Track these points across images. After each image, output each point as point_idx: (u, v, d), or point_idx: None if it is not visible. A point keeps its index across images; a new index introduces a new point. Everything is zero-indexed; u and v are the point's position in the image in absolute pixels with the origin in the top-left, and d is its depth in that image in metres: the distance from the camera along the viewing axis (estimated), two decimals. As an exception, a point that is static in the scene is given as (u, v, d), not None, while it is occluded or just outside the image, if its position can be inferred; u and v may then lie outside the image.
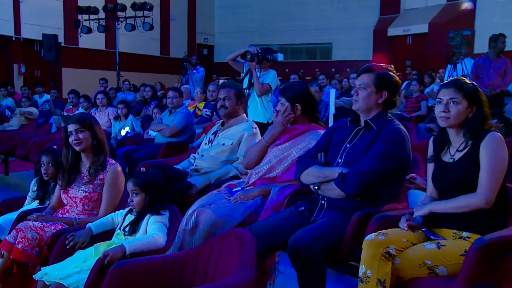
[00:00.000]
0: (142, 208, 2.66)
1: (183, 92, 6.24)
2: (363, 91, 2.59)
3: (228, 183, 3.29)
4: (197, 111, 7.60)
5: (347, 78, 10.55)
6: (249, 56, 5.28)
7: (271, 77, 5.43)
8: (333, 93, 3.22)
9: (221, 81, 10.42)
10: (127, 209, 2.80)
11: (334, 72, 14.43)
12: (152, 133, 6.19)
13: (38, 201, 3.43)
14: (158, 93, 9.66)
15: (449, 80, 2.40)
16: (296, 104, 3.07)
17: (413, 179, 2.98)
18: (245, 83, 5.48)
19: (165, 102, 8.10)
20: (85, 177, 2.99)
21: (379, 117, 2.61)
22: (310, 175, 2.65)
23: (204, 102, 7.75)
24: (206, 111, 6.97)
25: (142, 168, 2.77)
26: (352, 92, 2.71)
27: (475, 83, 2.34)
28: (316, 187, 2.60)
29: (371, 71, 2.60)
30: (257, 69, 5.31)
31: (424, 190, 2.59)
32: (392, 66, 2.72)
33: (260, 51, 5.31)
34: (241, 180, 3.36)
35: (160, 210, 2.65)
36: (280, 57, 5.41)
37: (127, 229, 2.66)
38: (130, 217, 2.71)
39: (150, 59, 17.53)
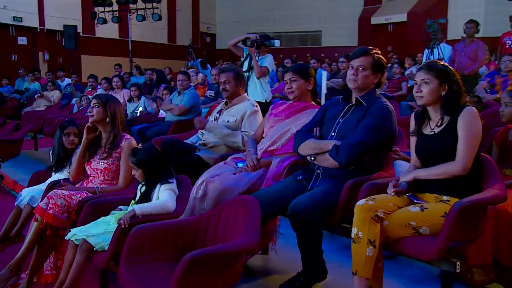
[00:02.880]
0: (145, 180, 2.63)
1: (189, 75, 6.19)
2: (362, 72, 2.56)
3: (234, 156, 3.27)
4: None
5: (335, 61, 10.45)
6: (249, 42, 5.24)
7: (269, 61, 5.39)
8: (325, 75, 3.16)
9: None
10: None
11: (323, 57, 14.25)
12: (162, 112, 6.16)
13: (59, 170, 3.38)
14: (168, 77, 9.56)
15: (423, 63, 2.37)
16: (310, 78, 3.08)
17: (397, 151, 2.96)
18: (245, 67, 5.42)
19: (173, 85, 8.06)
20: (104, 152, 2.97)
21: (369, 95, 2.59)
22: (307, 147, 2.62)
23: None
24: (210, 93, 6.90)
25: (139, 145, 2.72)
26: (352, 73, 2.60)
27: (446, 64, 2.31)
28: (312, 158, 2.57)
29: (368, 54, 2.57)
30: (256, 54, 5.25)
31: (408, 160, 2.57)
32: (379, 50, 2.68)
33: (259, 38, 5.26)
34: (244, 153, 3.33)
35: (167, 179, 2.58)
36: (276, 43, 5.36)
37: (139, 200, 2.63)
38: (141, 187, 2.67)
39: (159, 46, 17.28)
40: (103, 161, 2.96)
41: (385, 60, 2.64)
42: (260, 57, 5.32)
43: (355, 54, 2.61)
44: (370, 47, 2.63)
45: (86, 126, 3.01)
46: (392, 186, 2.25)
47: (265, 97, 5.33)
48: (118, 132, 2.96)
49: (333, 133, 2.60)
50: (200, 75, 8.38)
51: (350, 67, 2.61)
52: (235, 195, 2.70)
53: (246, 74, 5.16)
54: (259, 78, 5.31)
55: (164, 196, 2.54)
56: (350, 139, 2.43)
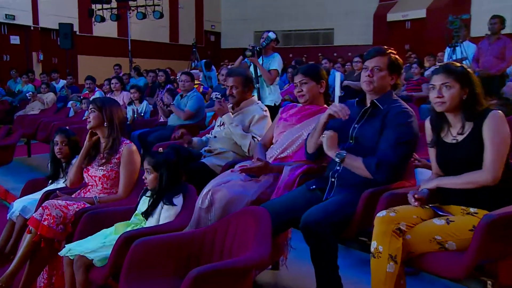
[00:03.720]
0: (156, 188, 2.62)
1: (193, 75, 6.22)
2: (378, 72, 2.57)
3: (242, 163, 3.26)
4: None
5: (349, 62, 10.45)
6: (249, 53, 5.26)
7: (277, 62, 5.37)
8: (338, 76, 3.09)
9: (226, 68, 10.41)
10: None
11: (336, 57, 14.28)
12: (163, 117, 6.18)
13: (55, 181, 3.41)
14: (171, 78, 9.62)
15: (437, 66, 2.36)
16: (322, 80, 3.10)
17: (418, 158, 2.94)
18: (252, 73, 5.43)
19: (176, 87, 8.10)
20: (103, 158, 2.98)
21: (386, 97, 2.59)
22: (309, 141, 2.71)
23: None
24: (216, 94, 6.92)
25: (160, 149, 2.73)
26: (366, 74, 2.61)
27: (464, 65, 2.29)
28: (338, 158, 2.52)
29: (384, 54, 2.59)
30: (260, 59, 5.25)
31: (430, 168, 2.55)
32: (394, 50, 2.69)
33: (255, 46, 5.27)
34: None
35: (173, 195, 2.57)
36: (271, 35, 5.33)
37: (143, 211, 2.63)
38: (145, 199, 2.67)
39: (160, 46, 17.42)
40: (101, 167, 2.97)
41: (401, 60, 2.65)
42: (266, 58, 5.32)
43: (370, 54, 2.61)
44: (385, 47, 2.65)
45: (89, 131, 3.04)
46: (412, 196, 2.23)
47: (274, 100, 5.35)
48: (117, 137, 2.98)
49: (351, 141, 2.61)
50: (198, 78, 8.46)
51: (365, 69, 2.62)
52: (244, 204, 2.70)
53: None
54: (272, 84, 5.33)
55: (164, 220, 2.53)
56: (388, 156, 2.41)
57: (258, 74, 5.29)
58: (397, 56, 2.63)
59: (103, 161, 2.97)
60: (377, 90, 2.59)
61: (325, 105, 3.15)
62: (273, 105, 5.25)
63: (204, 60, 11.39)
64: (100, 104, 3.00)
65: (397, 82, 2.63)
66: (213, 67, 11.32)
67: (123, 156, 2.96)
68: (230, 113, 3.63)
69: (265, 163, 2.92)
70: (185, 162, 3.42)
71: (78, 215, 2.70)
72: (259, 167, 2.92)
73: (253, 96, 3.88)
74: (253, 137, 3.54)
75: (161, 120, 6.09)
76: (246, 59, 5.47)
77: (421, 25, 15.38)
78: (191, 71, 7.50)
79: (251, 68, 5.36)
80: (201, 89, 8.15)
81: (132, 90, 6.75)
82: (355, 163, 2.48)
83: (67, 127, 3.59)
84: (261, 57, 5.28)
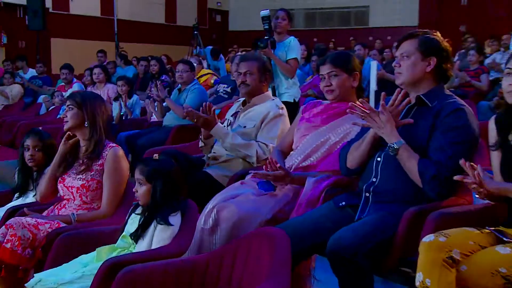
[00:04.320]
0: (149, 204, 2.64)
1: (193, 64, 6.27)
2: (406, 60, 2.61)
3: (254, 172, 3.28)
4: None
5: (389, 48, 10.43)
6: (262, 44, 5.26)
7: (295, 48, 5.39)
8: (374, 66, 3.11)
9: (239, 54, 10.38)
10: None
11: (372, 41, 14.26)
12: (154, 115, 6.23)
13: (23, 195, 3.45)
14: (167, 67, 9.69)
15: None
16: (355, 72, 3.13)
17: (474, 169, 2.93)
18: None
19: (173, 78, 8.15)
20: (82, 164, 3.02)
21: (435, 92, 2.60)
22: (353, 154, 2.71)
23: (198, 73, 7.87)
24: (224, 87, 6.94)
25: (154, 155, 2.76)
26: (393, 64, 2.72)
27: None
28: (392, 147, 2.50)
29: (413, 37, 2.64)
30: (275, 48, 5.28)
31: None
32: (438, 32, 2.71)
33: (268, 37, 5.27)
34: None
35: (170, 213, 2.58)
36: (263, 12, 5.31)
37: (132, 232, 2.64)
38: (135, 218, 2.69)
39: (154, 28, 17.50)
40: (80, 176, 3.00)
41: (442, 39, 2.64)
42: (280, 45, 5.33)
43: (398, 42, 2.69)
44: (421, 30, 2.68)
45: (66, 133, 3.08)
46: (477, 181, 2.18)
47: (293, 95, 5.38)
48: (100, 139, 3.02)
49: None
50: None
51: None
52: (256, 225, 2.72)
53: None
54: (293, 76, 5.37)
55: (157, 244, 2.55)
56: (447, 170, 2.40)
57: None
58: (435, 36, 2.64)
59: (82, 168, 3.00)
60: (409, 81, 2.61)
61: (358, 102, 3.15)
62: (292, 101, 5.28)
63: (210, 47, 11.42)
64: (80, 100, 3.03)
65: (444, 68, 2.60)
66: (221, 56, 11.36)
67: (107, 162, 2.99)
68: (220, 124, 3.62)
69: (285, 172, 2.94)
70: (185, 171, 3.45)
71: (51, 237, 2.72)
72: (276, 176, 2.93)
73: (269, 91, 3.91)
74: (258, 141, 3.58)
75: (154, 119, 6.15)
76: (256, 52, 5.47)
77: (482, 1, 15.31)
78: (190, 59, 7.57)
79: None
80: (212, 81, 8.17)
81: (119, 82, 6.83)
82: (409, 162, 2.48)
83: (40, 128, 3.64)
84: (274, 49, 5.31)
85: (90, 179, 3.00)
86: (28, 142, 3.45)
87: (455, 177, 2.24)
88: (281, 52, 5.31)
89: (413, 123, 2.57)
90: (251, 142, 3.57)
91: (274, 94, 5.20)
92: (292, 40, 5.41)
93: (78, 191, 3.01)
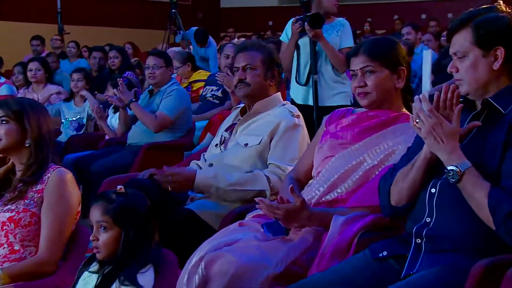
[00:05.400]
0: (113, 258, 2.65)
1: (171, 59, 6.32)
2: (463, 62, 2.57)
3: (255, 212, 3.30)
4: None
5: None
6: (316, 23, 5.16)
7: (350, 33, 5.50)
8: (428, 57, 3.06)
9: (234, 42, 10.37)
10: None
11: (425, 21, 14.28)
12: (113, 122, 6.26)
13: None
14: (132, 60, 9.71)
15: None
16: (401, 67, 3.13)
17: None
18: (303, 72, 5.49)
19: (142, 75, 8.18)
20: (14, 191, 3.02)
21: (507, 92, 2.57)
22: (398, 185, 2.66)
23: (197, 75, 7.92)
24: (213, 92, 6.98)
25: (119, 187, 2.77)
26: (449, 69, 2.65)
27: None
28: (454, 172, 2.44)
29: (464, 24, 2.57)
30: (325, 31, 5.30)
31: None
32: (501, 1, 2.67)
33: (307, 14, 5.23)
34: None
35: (138, 269, 2.60)
36: None
37: None
38: (88, 278, 2.70)
39: (113, 5, 17.57)
40: (8, 206, 2.98)
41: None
42: (328, 25, 5.35)
43: (448, 34, 2.65)
44: (477, 8, 2.62)
45: None
46: None
47: (349, 95, 5.42)
48: (43, 161, 3.03)
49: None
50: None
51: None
52: (262, 281, 2.71)
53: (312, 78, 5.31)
54: (344, 71, 5.40)
55: None
56: None
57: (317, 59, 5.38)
58: (499, 10, 2.57)
59: (13, 195, 2.99)
60: (478, 88, 2.57)
61: (405, 110, 3.18)
62: (350, 103, 5.31)
63: (194, 28, 11.35)
64: (17, 109, 3.05)
65: None
66: (210, 39, 11.21)
67: (49, 188, 2.98)
68: (199, 171, 3.66)
69: (301, 204, 2.92)
70: (160, 209, 3.46)
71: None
72: (289, 211, 2.92)
73: (277, 93, 3.96)
74: (271, 163, 3.62)
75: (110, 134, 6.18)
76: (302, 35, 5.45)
77: None
78: (167, 50, 7.59)
79: (302, 57, 5.45)
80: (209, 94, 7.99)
81: (75, 75, 6.88)
82: (477, 193, 2.41)
83: None
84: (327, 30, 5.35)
85: (22, 209, 2.97)
86: None
87: None
88: (332, 37, 5.36)
89: (479, 137, 2.56)
90: (256, 173, 3.60)
91: (316, 95, 5.26)
92: (345, 23, 5.50)
93: (4, 228, 2.96)
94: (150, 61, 5.87)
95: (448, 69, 2.65)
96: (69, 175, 3.06)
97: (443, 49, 9.20)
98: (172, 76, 6.17)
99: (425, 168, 2.59)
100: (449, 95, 2.54)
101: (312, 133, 3.89)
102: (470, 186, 2.42)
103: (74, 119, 6.82)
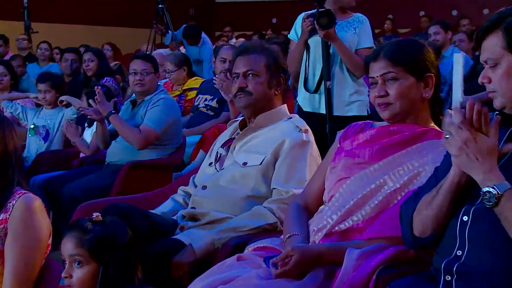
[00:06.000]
0: None
1: (157, 62, 6.32)
2: (495, 71, 2.55)
3: (256, 243, 3.33)
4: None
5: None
6: (326, 20, 5.18)
7: (369, 31, 5.53)
8: (460, 60, 3.04)
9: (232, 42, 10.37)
10: None
11: (456, 18, 14.31)
12: (89, 137, 6.32)
13: None
14: (112, 64, 9.73)
15: None
16: (429, 74, 3.13)
17: None
18: (313, 77, 5.54)
19: (123, 81, 8.20)
20: None
21: None
22: (422, 214, 2.63)
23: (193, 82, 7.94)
24: (207, 101, 7.00)
25: (95, 214, 2.80)
26: (480, 80, 2.61)
27: None
28: (490, 194, 2.40)
29: (494, 27, 2.55)
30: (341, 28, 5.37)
31: None
32: None
33: (320, 9, 5.25)
34: (280, 236, 3.39)
35: None
36: None
37: None
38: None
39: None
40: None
41: None
42: (343, 22, 5.43)
43: (476, 38, 2.64)
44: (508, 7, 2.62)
45: None
46: None
47: (366, 105, 5.48)
48: (7, 186, 3.04)
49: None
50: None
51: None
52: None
53: (324, 86, 5.35)
54: (362, 75, 5.43)
55: None
56: None
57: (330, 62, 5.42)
58: None
59: None
60: (508, 100, 2.55)
61: (433, 125, 3.21)
62: (366, 114, 5.39)
63: (184, 26, 11.31)
64: None
65: None
66: (204, 37, 11.12)
67: (13, 218, 2.98)
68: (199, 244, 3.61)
69: (299, 255, 2.91)
70: (144, 240, 3.49)
71: None
72: (289, 266, 2.90)
73: (283, 105, 4.01)
74: (275, 188, 3.66)
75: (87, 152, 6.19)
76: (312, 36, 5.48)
77: None
78: (153, 52, 7.59)
79: (312, 59, 5.51)
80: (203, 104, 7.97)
81: (41, 86, 6.80)
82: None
83: None
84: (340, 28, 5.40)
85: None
86: None
87: None
88: (349, 34, 5.41)
89: None
90: (254, 209, 3.64)
91: (329, 104, 5.30)
92: (364, 19, 5.52)
93: None
94: (138, 65, 5.84)
95: (479, 80, 2.62)
96: (37, 202, 3.02)
97: (477, 53, 9.23)
98: (158, 84, 6.15)
99: (454, 192, 2.56)
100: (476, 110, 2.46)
101: (323, 148, 3.93)
102: (509, 211, 2.38)
103: (42, 125, 6.80)
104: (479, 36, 2.61)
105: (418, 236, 2.70)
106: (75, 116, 6.66)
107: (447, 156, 2.71)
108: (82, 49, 9.40)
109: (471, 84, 6.55)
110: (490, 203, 2.39)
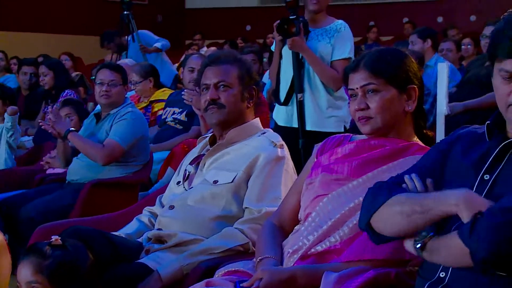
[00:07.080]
0: None
1: (126, 73, 6.32)
2: (501, 84, 2.48)
3: (227, 267, 3.31)
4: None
5: (472, 35, 10.50)
6: (294, 28, 5.27)
7: (349, 40, 5.54)
8: (445, 70, 3.03)
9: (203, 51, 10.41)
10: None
11: (441, 25, 14.41)
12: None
13: None
14: (73, 75, 9.72)
15: None
16: (412, 85, 3.13)
17: None
18: (282, 89, 5.58)
19: (85, 94, 8.19)
20: None
21: None
22: (392, 212, 2.58)
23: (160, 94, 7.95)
24: (175, 114, 7.00)
25: (54, 237, 2.79)
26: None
27: None
28: (419, 245, 2.47)
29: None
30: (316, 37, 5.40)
31: None
32: None
33: (296, 16, 5.32)
34: (252, 259, 3.38)
35: None
36: None
37: None
38: None
39: (49, 6, 17.55)
40: None
41: None
42: (318, 30, 5.46)
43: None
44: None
45: None
46: None
47: (344, 120, 5.54)
48: None
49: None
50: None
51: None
52: None
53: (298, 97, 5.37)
54: (338, 88, 5.45)
55: None
56: (504, 203, 2.38)
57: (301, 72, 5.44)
58: None
59: None
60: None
61: (416, 139, 3.22)
62: (342, 130, 5.39)
63: (144, 32, 11.38)
64: None
65: None
66: (158, 41, 11.18)
67: None
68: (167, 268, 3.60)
69: (269, 277, 2.90)
70: (107, 265, 3.47)
71: None
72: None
73: (256, 118, 4.02)
74: (247, 207, 3.66)
75: (51, 170, 6.17)
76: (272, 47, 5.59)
77: None
78: (120, 62, 7.59)
79: (283, 67, 5.54)
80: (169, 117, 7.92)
81: None
82: (443, 241, 2.42)
83: None
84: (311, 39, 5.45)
85: None
86: None
87: None
88: (322, 44, 5.44)
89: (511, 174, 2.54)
90: (224, 231, 3.64)
91: (301, 118, 5.32)
92: (343, 27, 5.53)
93: None
94: (105, 75, 5.85)
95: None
96: None
97: (462, 65, 9.28)
98: (126, 96, 6.14)
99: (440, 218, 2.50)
100: None
101: (297, 164, 3.93)
102: (433, 245, 2.46)
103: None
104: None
105: (374, 229, 2.66)
106: (10, 123, 6.67)
107: (433, 151, 2.79)
108: (41, 59, 9.37)
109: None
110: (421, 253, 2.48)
